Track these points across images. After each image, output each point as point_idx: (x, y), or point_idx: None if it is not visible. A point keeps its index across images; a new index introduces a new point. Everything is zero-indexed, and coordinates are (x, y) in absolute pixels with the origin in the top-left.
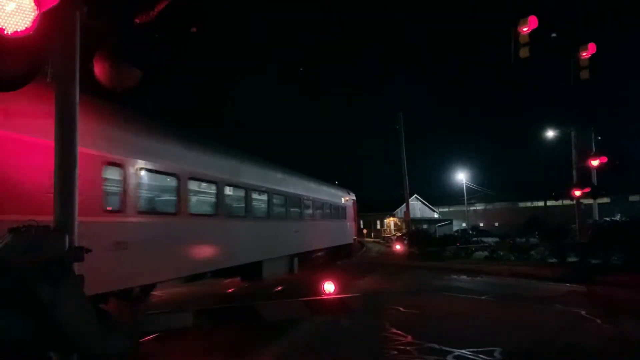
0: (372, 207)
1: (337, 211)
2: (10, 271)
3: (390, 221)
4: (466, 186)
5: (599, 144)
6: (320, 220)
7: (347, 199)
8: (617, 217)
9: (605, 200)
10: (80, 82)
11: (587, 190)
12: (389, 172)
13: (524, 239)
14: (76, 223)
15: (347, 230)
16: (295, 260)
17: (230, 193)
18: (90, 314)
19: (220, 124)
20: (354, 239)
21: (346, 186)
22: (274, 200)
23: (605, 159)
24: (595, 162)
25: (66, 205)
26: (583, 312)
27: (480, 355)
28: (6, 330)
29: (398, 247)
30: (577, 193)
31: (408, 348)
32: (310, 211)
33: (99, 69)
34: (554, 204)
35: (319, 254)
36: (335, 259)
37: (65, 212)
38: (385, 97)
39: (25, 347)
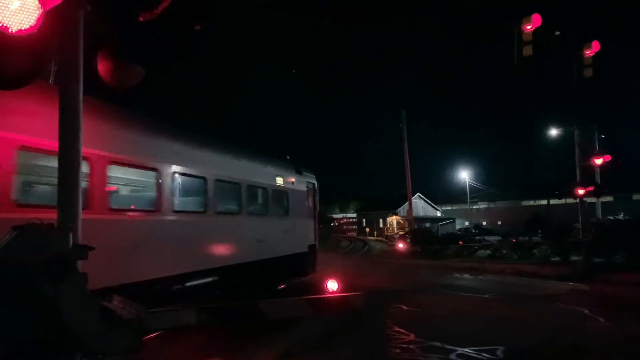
0: (375, 205)
1: (271, 199)
2: (13, 269)
3: (393, 219)
4: (469, 185)
5: (602, 142)
6: (213, 213)
7: (292, 179)
8: (621, 216)
9: (609, 198)
10: (84, 81)
11: (591, 189)
12: (392, 170)
13: (526, 238)
14: (80, 221)
15: (294, 232)
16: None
17: None
18: (93, 312)
19: (224, 124)
20: (312, 246)
21: (350, 185)
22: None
23: (609, 158)
24: (598, 161)
25: (70, 203)
26: (586, 311)
27: (483, 354)
28: (9, 328)
29: (400, 245)
30: (581, 192)
31: (411, 346)
32: (173, 198)
33: (102, 68)
34: (556, 203)
35: (206, 279)
36: (262, 282)
37: (69, 210)
38: (389, 95)
39: (28, 346)
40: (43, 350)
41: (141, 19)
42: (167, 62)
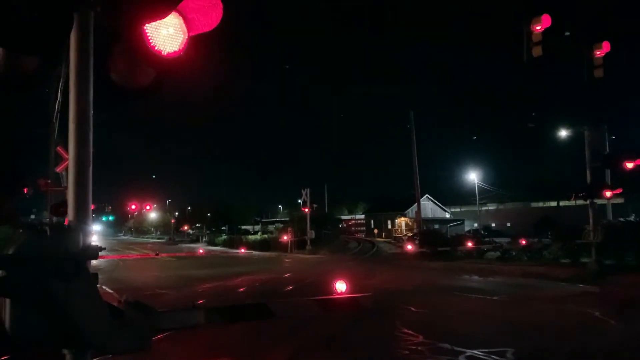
0: (383, 206)
1: None
2: (25, 268)
3: (402, 221)
4: (478, 186)
5: (613, 143)
6: None
7: None
8: (632, 217)
9: (619, 200)
10: (95, 81)
11: (619, 191)
12: (401, 172)
13: (536, 239)
14: (91, 220)
15: None
16: None
17: None
18: (103, 312)
19: (229, 127)
20: None
21: (358, 186)
22: None
23: None
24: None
25: (81, 203)
26: (597, 313)
27: (492, 356)
28: (19, 327)
29: (409, 247)
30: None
31: (419, 348)
32: None
33: (113, 69)
34: (566, 204)
35: None
36: None
37: (80, 210)
38: (397, 96)
39: (39, 344)
40: (53, 349)
41: (151, 20)
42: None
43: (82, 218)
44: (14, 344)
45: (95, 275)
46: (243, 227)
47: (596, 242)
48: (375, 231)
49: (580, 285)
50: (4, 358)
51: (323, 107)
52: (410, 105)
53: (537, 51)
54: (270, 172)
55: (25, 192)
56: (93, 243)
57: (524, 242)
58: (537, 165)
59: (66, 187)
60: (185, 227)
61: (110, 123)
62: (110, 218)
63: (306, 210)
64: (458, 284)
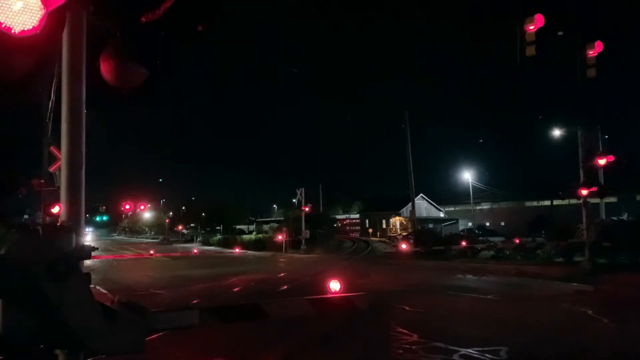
0: (378, 206)
1: None
2: (17, 269)
3: (396, 220)
4: (472, 185)
5: (606, 142)
6: None
7: None
8: (625, 217)
9: (613, 199)
10: (87, 81)
11: (594, 189)
12: (395, 171)
13: (530, 238)
14: (83, 221)
15: None
16: None
17: None
18: (96, 312)
19: (224, 127)
20: None
21: (353, 186)
22: None
23: (612, 158)
24: (602, 161)
25: (74, 203)
26: (590, 312)
27: (487, 354)
28: (13, 327)
29: (404, 246)
30: (584, 192)
31: (414, 347)
32: None
33: (105, 68)
34: (560, 204)
35: None
36: None
37: (73, 209)
38: (391, 95)
39: (32, 345)
40: (46, 350)
41: (143, 19)
42: (169, 63)
43: (75, 218)
44: (7, 345)
45: (88, 275)
46: (238, 226)
47: (589, 241)
48: (370, 231)
49: (574, 284)
50: None
51: (319, 107)
52: (404, 105)
53: (530, 51)
54: (266, 171)
55: (19, 192)
56: (86, 243)
57: (517, 241)
58: (531, 165)
59: (59, 187)
60: (180, 227)
61: (104, 122)
62: (104, 218)
63: (301, 210)
64: (452, 283)
